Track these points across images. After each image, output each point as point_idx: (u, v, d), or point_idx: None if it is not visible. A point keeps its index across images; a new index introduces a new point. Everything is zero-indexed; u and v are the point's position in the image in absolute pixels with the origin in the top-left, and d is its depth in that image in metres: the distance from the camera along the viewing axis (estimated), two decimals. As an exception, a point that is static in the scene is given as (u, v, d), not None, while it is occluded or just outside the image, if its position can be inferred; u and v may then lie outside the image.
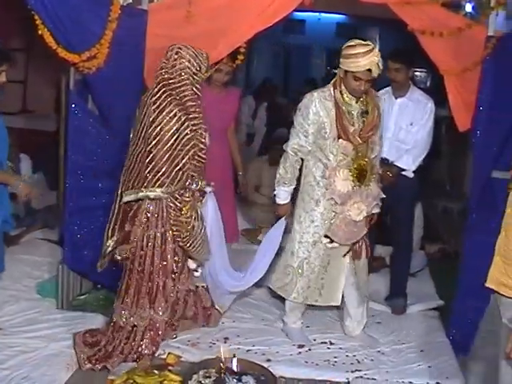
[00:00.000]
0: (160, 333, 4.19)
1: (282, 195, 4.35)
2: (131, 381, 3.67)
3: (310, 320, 4.82)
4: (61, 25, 3.86)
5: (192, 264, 4.36)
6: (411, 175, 4.96)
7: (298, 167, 4.32)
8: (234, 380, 3.39)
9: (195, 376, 3.49)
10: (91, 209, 4.51)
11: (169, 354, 4.09)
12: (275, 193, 4.39)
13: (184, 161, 4.02)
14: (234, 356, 3.61)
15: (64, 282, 4.72)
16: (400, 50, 5.07)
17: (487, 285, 3.04)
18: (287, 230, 4.44)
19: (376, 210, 4.36)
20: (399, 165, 4.90)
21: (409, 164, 4.92)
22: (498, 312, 3.01)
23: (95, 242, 4.54)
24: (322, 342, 4.52)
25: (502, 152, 4.11)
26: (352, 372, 4.10)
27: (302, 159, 4.29)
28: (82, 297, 4.88)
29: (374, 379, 4.05)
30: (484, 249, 3.27)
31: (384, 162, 4.73)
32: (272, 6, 4.48)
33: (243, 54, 4.58)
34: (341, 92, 4.14)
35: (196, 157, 4.11)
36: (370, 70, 3.94)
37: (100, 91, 4.36)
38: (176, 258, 4.23)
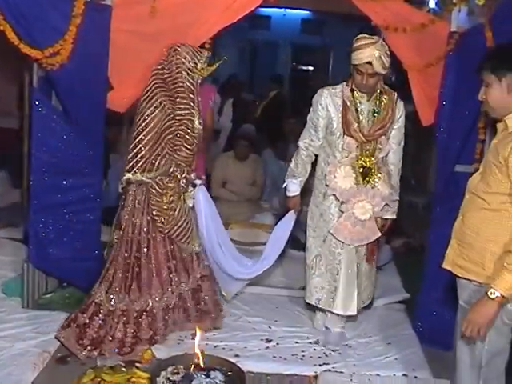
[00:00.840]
0: (158, 319, 4.26)
1: (291, 187, 4.41)
2: (99, 379, 3.65)
3: (278, 314, 4.86)
4: (23, 20, 3.81)
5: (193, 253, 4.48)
6: None
7: (310, 162, 4.40)
8: (203, 376, 3.36)
9: (163, 373, 3.46)
10: (56, 206, 4.47)
11: (146, 350, 4.07)
12: (285, 185, 4.48)
13: (166, 150, 4.22)
14: (202, 352, 3.61)
15: (29, 280, 4.67)
16: None
17: (443, 266, 3.11)
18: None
19: (389, 216, 4.32)
20: None
21: None
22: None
23: (61, 240, 4.52)
24: (289, 336, 4.53)
25: (464, 146, 4.17)
26: (320, 365, 4.14)
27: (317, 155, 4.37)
28: (48, 295, 4.82)
29: (342, 372, 4.08)
30: (448, 242, 3.30)
31: None
32: (237, 2, 4.48)
33: (208, 50, 4.57)
34: (352, 89, 4.14)
35: (182, 147, 4.22)
36: (370, 64, 3.89)
37: (64, 88, 4.31)
38: (169, 247, 4.35)
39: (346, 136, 4.12)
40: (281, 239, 4.59)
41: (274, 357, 4.22)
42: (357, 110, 4.12)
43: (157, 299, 4.28)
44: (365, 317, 4.88)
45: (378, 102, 4.16)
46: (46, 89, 4.42)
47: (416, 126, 4.91)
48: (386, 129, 4.16)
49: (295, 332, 4.61)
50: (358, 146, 4.12)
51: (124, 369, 3.78)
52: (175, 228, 4.31)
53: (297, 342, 4.47)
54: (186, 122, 4.20)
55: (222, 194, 6.90)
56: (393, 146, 4.25)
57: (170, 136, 4.22)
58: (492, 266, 2.84)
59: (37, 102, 4.31)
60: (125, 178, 4.24)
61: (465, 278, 3.00)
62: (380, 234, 4.26)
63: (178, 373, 3.45)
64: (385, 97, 4.17)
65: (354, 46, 3.96)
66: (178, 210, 4.31)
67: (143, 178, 4.20)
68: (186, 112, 4.20)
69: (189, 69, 4.22)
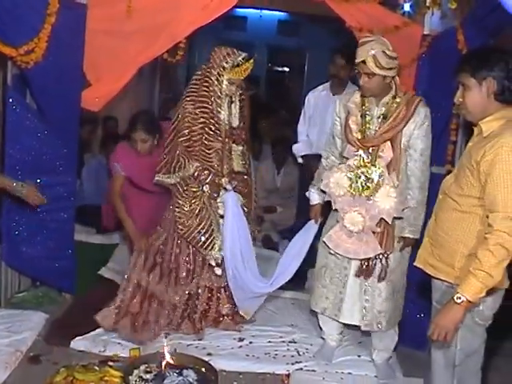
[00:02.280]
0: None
1: (312, 196, 4.29)
2: (71, 378, 3.63)
3: None
4: (-3, 18, 3.81)
5: (212, 261, 4.45)
6: None
7: None
8: (175, 374, 3.37)
9: (136, 371, 3.45)
10: (29, 205, 4.45)
11: (131, 349, 4.06)
12: (307, 194, 4.38)
13: (178, 151, 4.33)
14: (175, 350, 3.62)
15: (2, 279, 4.65)
16: (348, 46, 5.14)
17: (415, 264, 3.17)
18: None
19: (407, 234, 3.92)
20: None
21: None
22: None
23: (34, 239, 4.52)
24: (262, 335, 4.56)
25: (437, 147, 4.22)
26: (292, 364, 4.17)
27: None
28: (21, 294, 4.82)
29: (314, 371, 4.12)
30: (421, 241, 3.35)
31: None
32: (213, 2, 4.50)
33: (183, 50, 4.59)
34: (362, 94, 3.91)
35: (201, 152, 4.36)
36: (364, 63, 3.66)
37: (38, 86, 4.31)
38: (191, 250, 4.49)
39: (347, 142, 3.94)
40: (301, 249, 4.40)
41: (247, 355, 4.25)
42: (364, 116, 3.88)
43: (177, 298, 4.51)
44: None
45: (388, 107, 3.85)
46: (21, 87, 4.42)
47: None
48: (390, 134, 3.80)
49: (268, 331, 4.64)
50: (359, 154, 3.87)
51: (97, 367, 3.76)
52: (194, 232, 4.35)
53: (269, 341, 4.49)
54: (205, 128, 4.32)
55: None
56: (413, 155, 3.86)
57: (184, 138, 4.31)
58: (461, 266, 2.89)
59: (11, 100, 4.30)
60: (154, 179, 4.46)
61: (437, 278, 3.05)
62: (380, 251, 3.87)
63: (150, 371, 3.46)
64: (397, 100, 3.84)
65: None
66: (199, 215, 4.36)
67: (167, 180, 4.39)
68: (209, 120, 4.33)
69: (218, 73, 4.29)
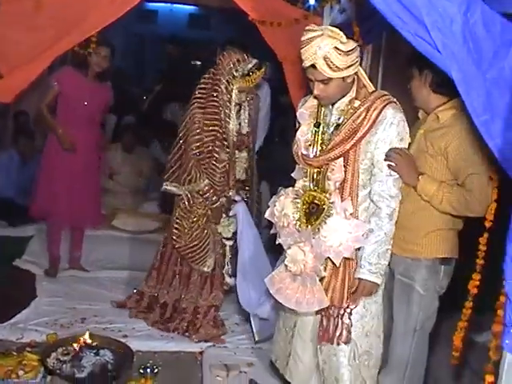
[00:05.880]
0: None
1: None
2: (-9, 363, 3.70)
3: None
4: None
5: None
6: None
7: None
8: (92, 354, 3.48)
9: (54, 354, 3.53)
10: None
11: (48, 335, 4.13)
12: None
13: (191, 164, 4.23)
14: (90, 333, 3.72)
15: None
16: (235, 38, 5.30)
17: None
18: None
19: (363, 276, 2.99)
20: None
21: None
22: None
23: None
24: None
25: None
26: (205, 341, 4.34)
27: None
28: None
29: (226, 347, 4.32)
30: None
31: None
32: (119, -4, 4.59)
33: (95, 43, 4.68)
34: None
35: (210, 164, 4.29)
36: (314, 67, 2.82)
37: None
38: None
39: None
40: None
41: (162, 336, 4.40)
42: (317, 125, 3.06)
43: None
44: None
45: (344, 113, 3.00)
46: None
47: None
48: (341, 150, 2.94)
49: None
50: (304, 175, 3.14)
51: (15, 353, 3.85)
52: (188, 248, 4.35)
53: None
54: (215, 141, 4.26)
55: (110, 186, 6.96)
56: (378, 176, 2.99)
57: (191, 147, 4.25)
58: (425, 242, 3.13)
59: None
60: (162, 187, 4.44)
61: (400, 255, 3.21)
62: (327, 305, 3.00)
63: (68, 353, 3.54)
64: (354, 105, 2.97)
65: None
66: (197, 234, 4.33)
67: (175, 190, 4.36)
68: (217, 131, 4.25)
69: (227, 81, 4.20)
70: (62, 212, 5.18)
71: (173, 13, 14.59)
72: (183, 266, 4.50)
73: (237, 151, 4.38)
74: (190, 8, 14.62)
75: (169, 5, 13.97)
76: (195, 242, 4.33)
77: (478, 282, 2.72)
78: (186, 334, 4.38)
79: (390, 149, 2.94)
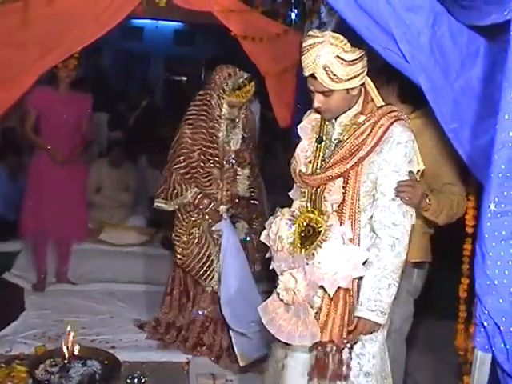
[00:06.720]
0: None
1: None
2: (-20, 375, 3.75)
3: (151, 308, 4.94)
4: None
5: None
6: None
7: None
8: (80, 365, 3.50)
9: (42, 365, 3.54)
10: None
11: (36, 347, 4.16)
12: None
13: (173, 178, 4.24)
14: (78, 344, 3.75)
15: None
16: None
17: None
18: None
19: (361, 314, 2.62)
20: None
21: None
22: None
23: None
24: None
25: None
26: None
27: None
28: None
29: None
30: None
31: None
32: (106, 13, 4.63)
33: (76, 59, 4.76)
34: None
35: (199, 179, 4.26)
36: (314, 77, 2.56)
37: None
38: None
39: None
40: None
41: (150, 346, 4.45)
42: (320, 141, 2.76)
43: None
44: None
45: (347, 128, 2.70)
46: None
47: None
48: (341, 169, 2.64)
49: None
50: (302, 195, 2.84)
51: (3, 365, 3.91)
52: (193, 262, 4.29)
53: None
54: (204, 153, 4.24)
55: (97, 200, 6.98)
56: (380, 201, 2.65)
57: (178, 166, 4.25)
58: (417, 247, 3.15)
59: None
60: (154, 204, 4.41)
61: None
62: (318, 339, 2.65)
63: (55, 365, 3.57)
64: (358, 120, 2.67)
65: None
66: (198, 244, 4.27)
67: (165, 206, 4.33)
68: (203, 143, 4.23)
69: (218, 95, 4.19)
70: (48, 227, 5.25)
71: (158, 29, 14.67)
72: (194, 288, 4.48)
73: (238, 168, 4.34)
74: (176, 25, 14.70)
75: (155, 21, 14.04)
76: (199, 255, 4.26)
77: (466, 286, 2.79)
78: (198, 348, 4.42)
79: (400, 182, 2.61)
